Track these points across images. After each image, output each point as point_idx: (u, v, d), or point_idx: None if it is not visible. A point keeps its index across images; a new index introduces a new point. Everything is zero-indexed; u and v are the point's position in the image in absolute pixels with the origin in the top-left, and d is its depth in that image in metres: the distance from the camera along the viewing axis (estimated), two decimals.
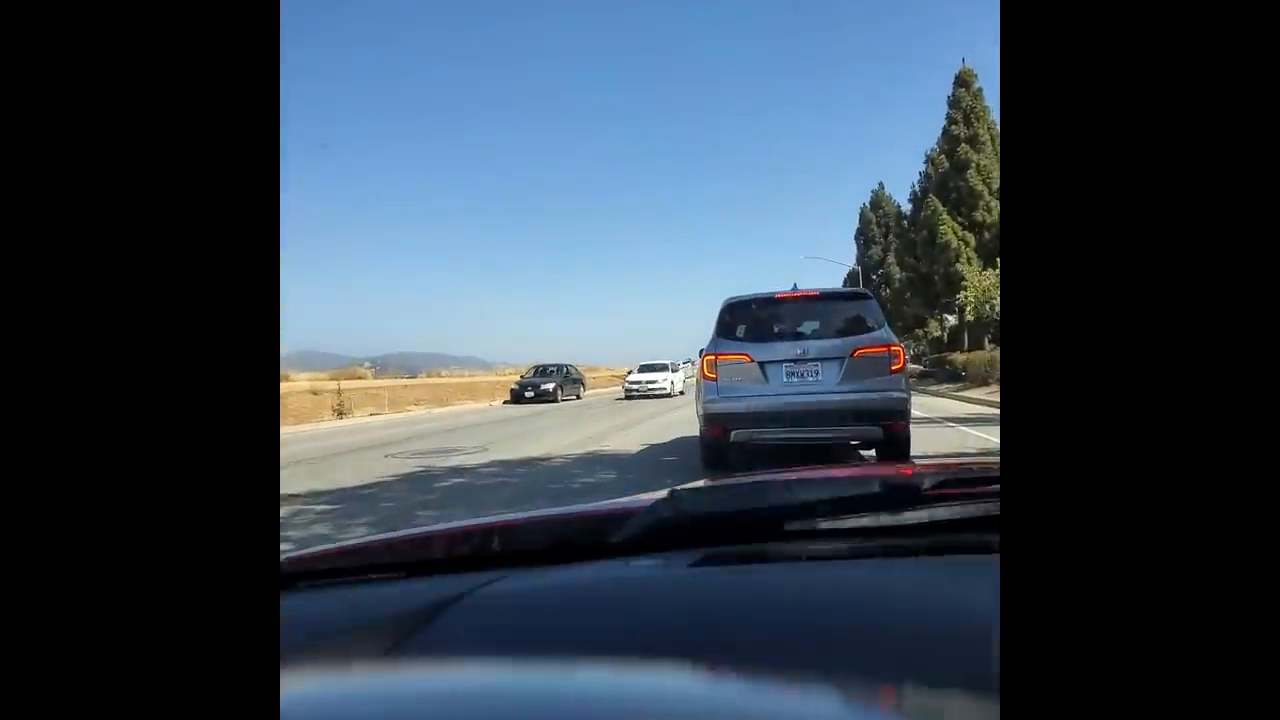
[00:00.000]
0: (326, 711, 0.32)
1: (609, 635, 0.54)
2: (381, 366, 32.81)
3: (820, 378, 4.66)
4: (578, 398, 21.34)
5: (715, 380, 4.81)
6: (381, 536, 0.86)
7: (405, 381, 22.86)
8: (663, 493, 0.79)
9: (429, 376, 26.04)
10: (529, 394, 19.35)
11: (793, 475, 0.88)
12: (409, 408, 18.04)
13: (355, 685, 0.40)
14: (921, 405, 10.63)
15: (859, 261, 35.07)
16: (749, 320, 5.05)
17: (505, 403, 19.82)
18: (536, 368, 22.59)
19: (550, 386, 19.63)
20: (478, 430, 10.29)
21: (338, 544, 0.83)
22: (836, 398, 4.56)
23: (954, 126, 21.94)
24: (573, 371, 22.36)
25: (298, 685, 0.36)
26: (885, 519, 0.70)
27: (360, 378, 21.80)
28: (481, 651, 0.52)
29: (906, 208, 28.51)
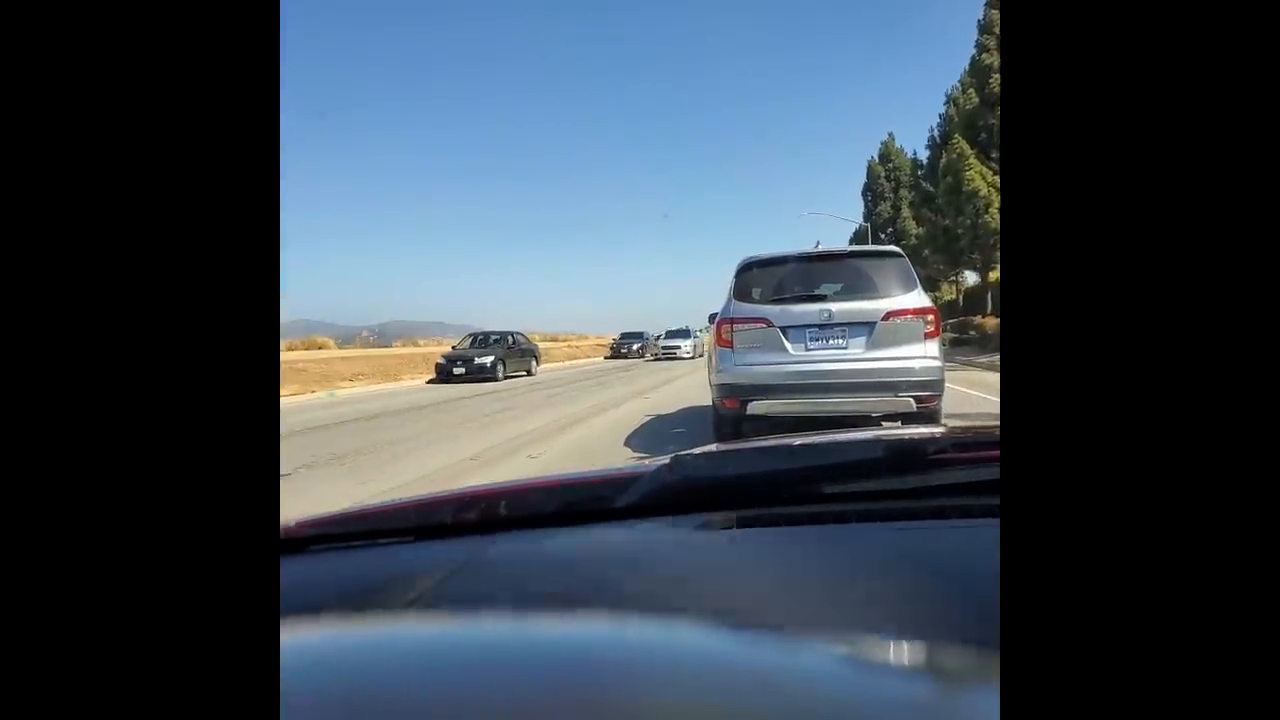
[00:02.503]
0: (332, 663, 0.34)
1: (613, 593, 0.55)
2: (382, 334, 32.45)
3: (846, 344, 4.29)
4: (528, 374, 16.55)
5: (730, 347, 4.45)
6: (391, 501, 0.86)
7: (369, 351, 19.82)
8: (666, 458, 0.80)
9: (404, 345, 23.69)
10: (458, 370, 14.51)
11: (798, 441, 0.86)
12: (340, 385, 13.84)
13: (362, 637, 0.41)
14: (956, 381, 8.12)
15: (866, 219, 32.64)
16: (768, 282, 4.61)
17: (430, 381, 15.10)
18: (474, 335, 17.22)
19: (488, 361, 14.65)
20: (338, 434, 6.62)
21: (348, 508, 0.85)
22: (864, 366, 4.20)
23: (984, 55, 18.94)
24: (521, 340, 17.17)
25: (306, 639, 0.39)
26: (893, 483, 0.71)
27: (322, 346, 19.33)
28: (489, 611, 0.54)
29: (923, 154, 26.44)
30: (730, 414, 4.43)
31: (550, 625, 0.40)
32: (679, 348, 23.72)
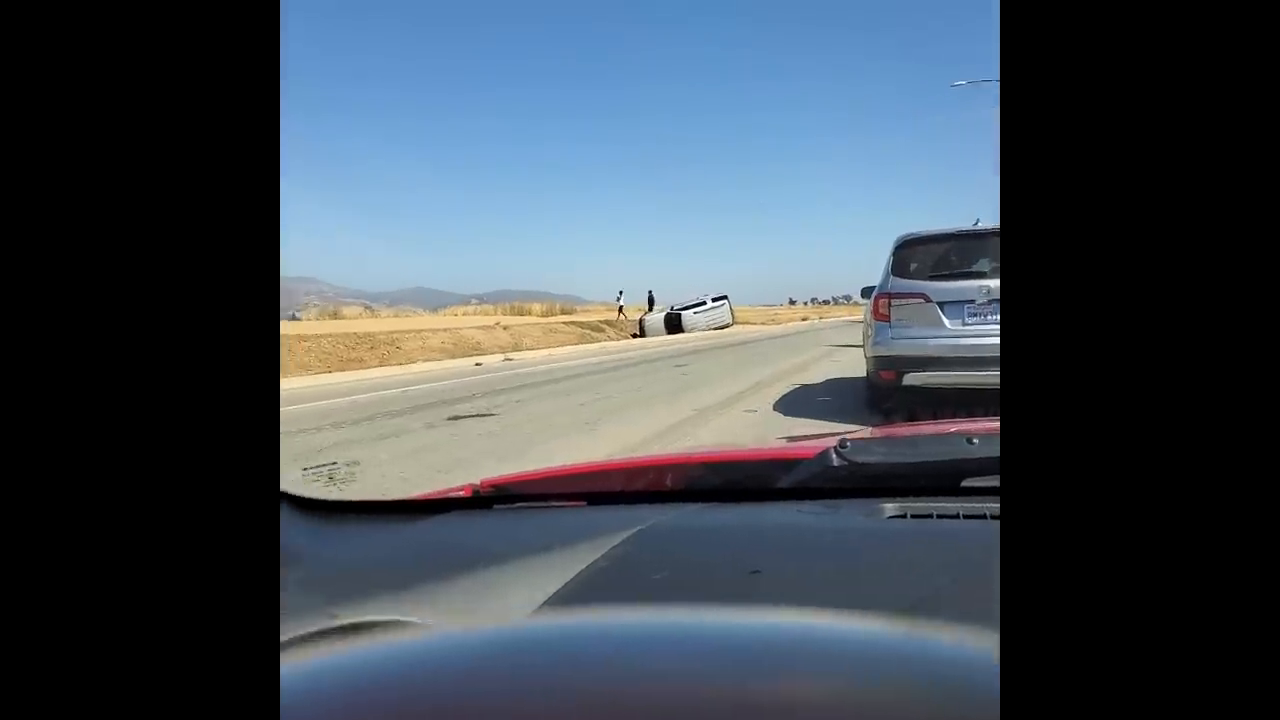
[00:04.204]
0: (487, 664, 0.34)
1: (775, 574, 0.53)
2: (486, 301, 33.77)
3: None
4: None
5: (888, 321, 4.59)
6: (566, 467, 0.93)
7: (414, 326, 17.71)
8: (831, 440, 0.78)
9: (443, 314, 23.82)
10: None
11: (966, 426, 0.83)
12: (348, 369, 11.08)
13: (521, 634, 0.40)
14: None
15: None
16: (925, 258, 4.72)
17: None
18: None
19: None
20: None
21: (526, 471, 0.91)
22: None
23: None
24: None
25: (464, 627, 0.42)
26: None
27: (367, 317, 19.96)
28: (654, 582, 0.53)
29: None
30: (886, 385, 4.62)
31: (706, 614, 0.39)
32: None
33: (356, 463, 3.79)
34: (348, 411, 6.00)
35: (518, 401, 6.41)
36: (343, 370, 10.56)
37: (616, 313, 25.09)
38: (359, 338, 12.98)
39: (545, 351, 14.87)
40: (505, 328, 17.48)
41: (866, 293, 5.20)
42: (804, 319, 42.10)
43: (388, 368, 11.12)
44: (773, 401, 5.93)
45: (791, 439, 1.14)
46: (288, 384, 8.42)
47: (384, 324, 19.14)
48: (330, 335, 12.85)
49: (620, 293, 26.35)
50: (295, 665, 0.33)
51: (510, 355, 13.47)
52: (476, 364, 11.68)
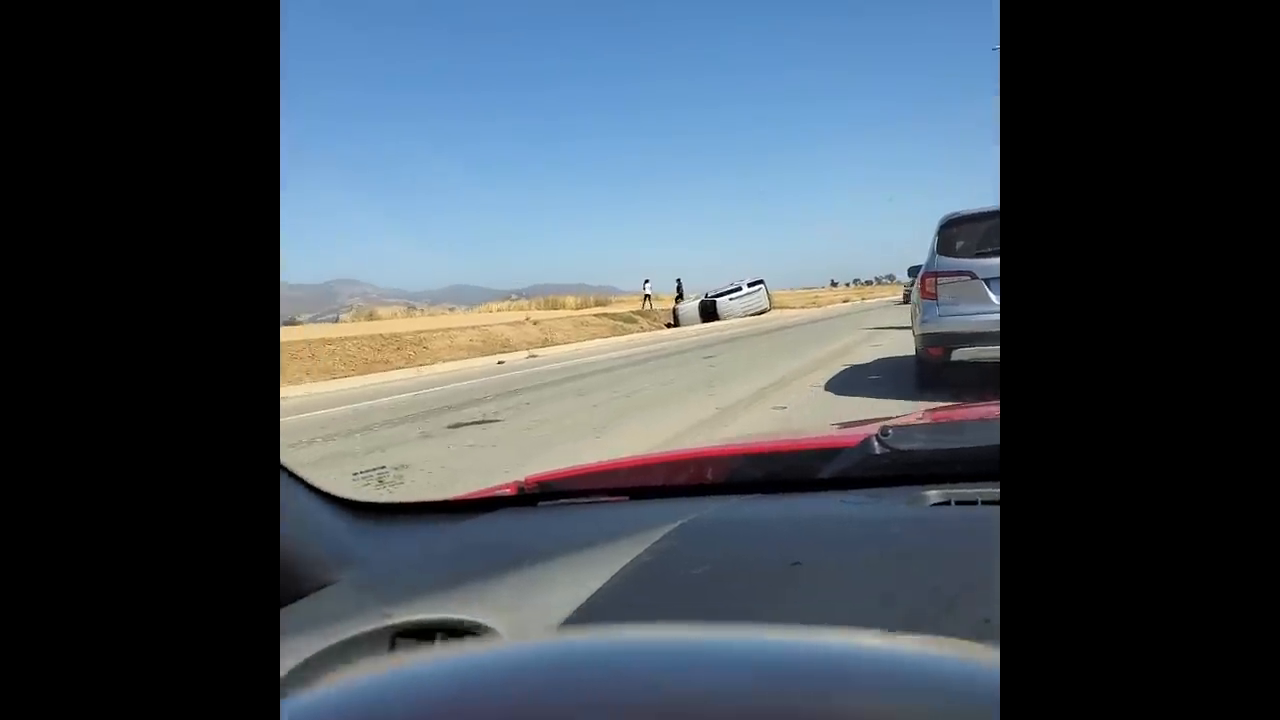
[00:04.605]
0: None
1: (818, 567, 0.53)
2: (524, 296, 34.51)
3: None
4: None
5: (935, 299, 4.67)
6: (608, 463, 0.93)
7: (442, 325, 17.01)
8: (872, 427, 0.77)
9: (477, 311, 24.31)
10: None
11: None
12: (373, 371, 10.52)
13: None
14: None
15: None
16: (970, 236, 4.76)
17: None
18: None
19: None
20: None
21: (569, 466, 0.91)
22: None
23: None
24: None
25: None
26: None
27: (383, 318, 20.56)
28: (697, 576, 0.53)
29: None
30: (934, 361, 4.79)
31: (744, 626, 0.36)
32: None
33: (405, 466, 3.83)
34: (347, 421, 5.71)
35: (527, 404, 6.02)
36: (366, 373, 10.33)
37: (643, 303, 24.56)
38: (385, 339, 12.79)
39: (572, 346, 14.50)
40: (535, 323, 17.19)
41: (913, 271, 5.26)
42: (845, 300, 41.78)
43: (412, 369, 10.88)
44: (805, 394, 5.51)
45: (841, 425, 1.12)
46: (303, 390, 8.21)
47: (414, 323, 19.06)
48: (356, 337, 12.70)
49: (646, 282, 25.69)
50: (344, 680, 0.31)
51: (535, 352, 13.13)
52: (499, 362, 11.40)
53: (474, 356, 12.47)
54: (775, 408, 5.02)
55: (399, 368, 11.01)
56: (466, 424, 5.15)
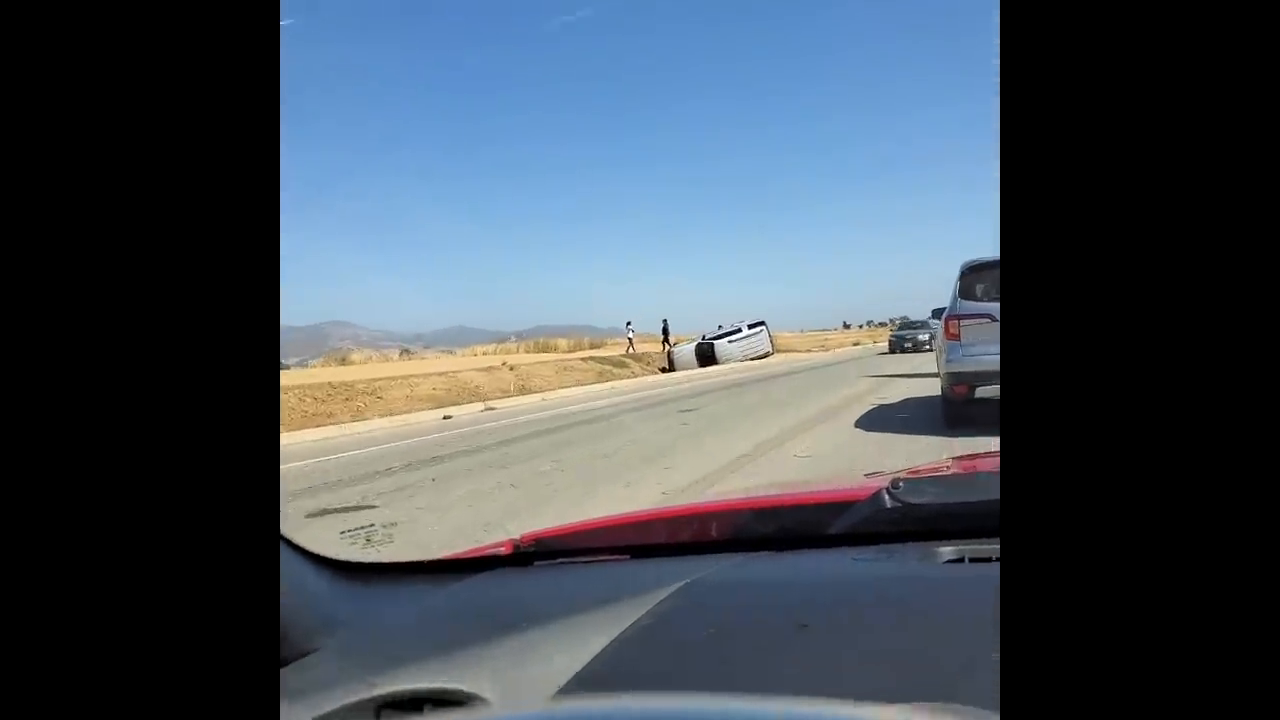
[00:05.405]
0: None
1: (828, 631, 0.52)
2: (524, 338, 34.38)
3: None
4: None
5: (958, 340, 5.03)
6: (607, 519, 0.89)
7: (419, 369, 16.17)
8: (884, 480, 0.75)
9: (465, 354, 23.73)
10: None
11: None
12: (309, 426, 9.30)
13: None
14: None
15: None
16: (989, 280, 5.09)
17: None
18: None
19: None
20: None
21: (566, 524, 0.88)
22: None
23: None
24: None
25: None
26: None
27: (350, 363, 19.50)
28: (700, 640, 0.52)
29: None
30: (959, 399, 5.13)
31: (748, 697, 0.35)
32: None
33: (394, 523, 3.50)
34: None
35: (433, 480, 4.77)
36: (298, 429, 9.07)
37: (627, 346, 23.27)
38: (334, 388, 11.56)
39: (539, 397, 13.20)
40: (511, 368, 15.97)
41: (937, 314, 5.72)
42: (856, 343, 41.02)
43: (343, 425, 9.61)
44: (788, 466, 4.33)
45: (867, 474, 1.07)
46: None
47: (385, 369, 17.90)
48: (303, 386, 11.46)
49: (629, 324, 24.32)
50: None
51: (494, 404, 11.84)
52: (445, 417, 10.14)
53: (432, 408, 11.23)
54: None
55: (341, 423, 9.79)
56: (333, 511, 3.91)
